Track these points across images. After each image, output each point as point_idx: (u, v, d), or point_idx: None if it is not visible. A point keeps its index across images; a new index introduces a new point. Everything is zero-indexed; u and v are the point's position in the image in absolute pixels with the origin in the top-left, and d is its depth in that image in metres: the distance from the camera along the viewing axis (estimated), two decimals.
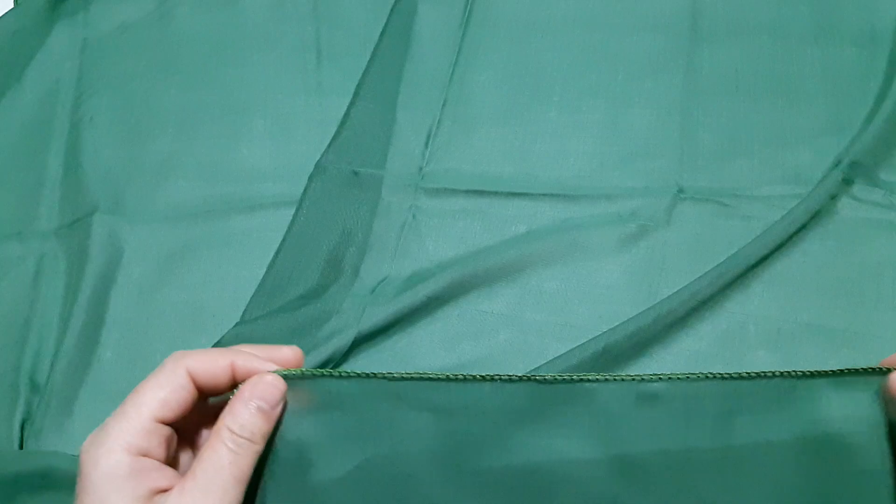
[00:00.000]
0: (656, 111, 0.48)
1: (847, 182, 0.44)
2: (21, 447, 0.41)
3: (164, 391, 0.28)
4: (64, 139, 0.51)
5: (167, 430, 0.28)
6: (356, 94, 0.49)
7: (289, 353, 0.30)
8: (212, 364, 0.29)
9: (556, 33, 0.51)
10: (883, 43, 0.48)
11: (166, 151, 0.50)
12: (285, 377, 0.29)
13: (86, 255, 0.46)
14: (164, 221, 0.47)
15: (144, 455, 0.27)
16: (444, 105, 0.49)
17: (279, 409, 0.29)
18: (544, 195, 0.46)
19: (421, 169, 0.48)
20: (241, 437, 0.27)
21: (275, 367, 0.29)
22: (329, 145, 0.47)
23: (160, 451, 0.28)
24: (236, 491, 0.27)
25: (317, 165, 0.47)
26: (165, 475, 0.27)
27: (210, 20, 0.54)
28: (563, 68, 0.50)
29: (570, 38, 0.51)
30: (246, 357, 0.29)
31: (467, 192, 0.46)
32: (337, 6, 0.54)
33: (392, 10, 0.52)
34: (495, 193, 0.46)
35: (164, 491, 0.27)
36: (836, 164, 0.44)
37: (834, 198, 0.43)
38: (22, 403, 0.42)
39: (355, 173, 0.47)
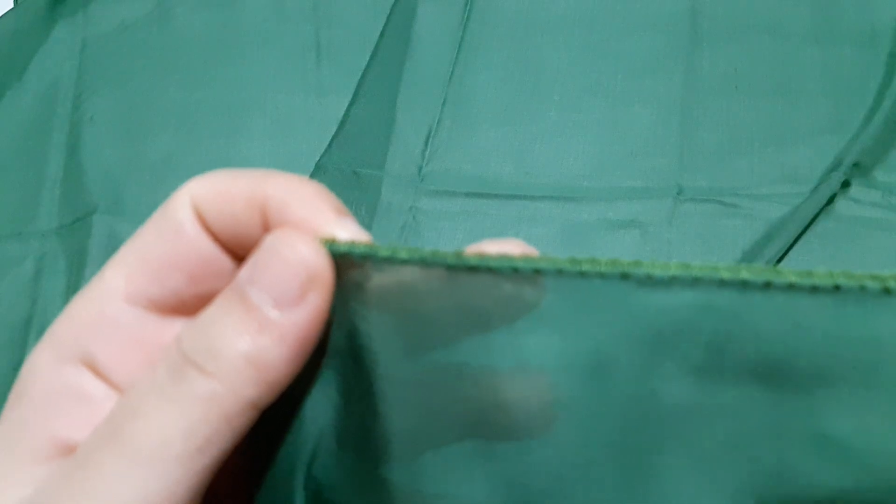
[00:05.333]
0: (656, 111, 0.48)
1: (846, 182, 0.44)
2: None
3: (144, 248, 0.16)
4: (64, 139, 0.51)
5: (153, 322, 0.15)
6: (356, 93, 0.49)
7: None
8: (230, 197, 0.16)
9: (556, 33, 0.51)
10: (883, 43, 0.48)
11: (166, 151, 0.50)
12: (339, 252, 0.14)
13: (86, 255, 0.46)
14: None
15: (91, 366, 0.15)
16: (443, 104, 0.49)
17: (309, 312, 0.14)
18: (544, 196, 0.46)
19: (421, 169, 0.48)
20: (206, 371, 0.14)
21: (331, 223, 0.15)
22: (329, 145, 0.47)
23: (129, 363, 0.15)
24: (186, 470, 0.14)
25: (317, 165, 0.47)
26: (94, 409, 0.14)
27: (210, 20, 0.54)
28: (563, 68, 0.50)
29: (570, 37, 0.51)
30: (282, 187, 0.15)
31: (467, 193, 0.46)
32: (337, 6, 0.54)
33: (392, 9, 0.52)
34: (495, 195, 0.46)
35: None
36: (836, 163, 0.44)
37: (833, 198, 0.43)
38: None
39: (355, 173, 0.47)
